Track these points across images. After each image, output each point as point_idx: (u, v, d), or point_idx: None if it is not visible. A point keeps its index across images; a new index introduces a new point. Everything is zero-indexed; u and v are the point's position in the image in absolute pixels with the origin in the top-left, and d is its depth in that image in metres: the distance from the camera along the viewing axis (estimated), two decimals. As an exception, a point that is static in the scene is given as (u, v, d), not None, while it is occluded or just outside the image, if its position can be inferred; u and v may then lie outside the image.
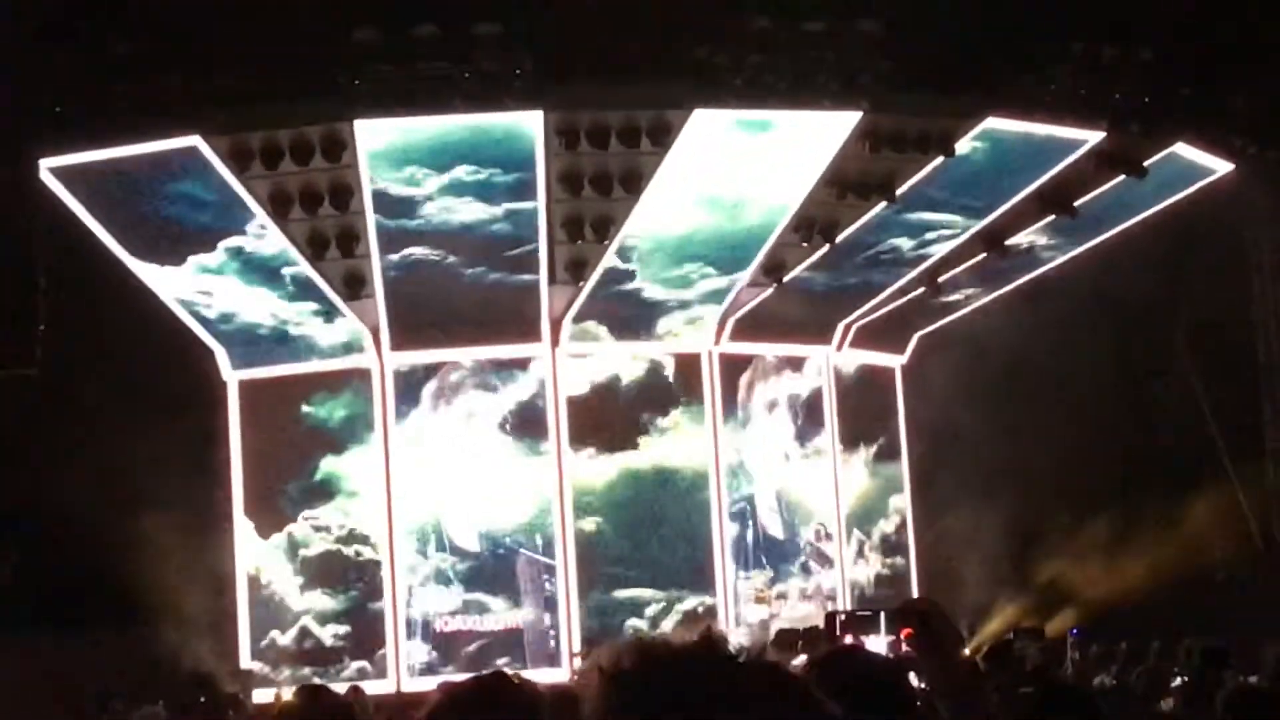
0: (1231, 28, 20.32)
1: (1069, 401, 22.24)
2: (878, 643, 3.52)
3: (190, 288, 21.08)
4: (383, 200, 20.14)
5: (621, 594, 21.59)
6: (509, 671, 6.27)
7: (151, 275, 20.74)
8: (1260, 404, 22.29)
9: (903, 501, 23.58)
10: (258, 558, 21.62)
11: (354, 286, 21.10)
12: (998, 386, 22.21)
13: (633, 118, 19.97)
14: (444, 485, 21.83)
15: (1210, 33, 20.29)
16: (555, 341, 21.65)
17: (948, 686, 4.77)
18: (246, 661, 20.97)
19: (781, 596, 22.23)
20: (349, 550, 21.62)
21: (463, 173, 20.11)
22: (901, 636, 4.67)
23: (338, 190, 20.07)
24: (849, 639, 3.58)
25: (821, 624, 15.98)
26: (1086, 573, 21.31)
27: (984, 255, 22.26)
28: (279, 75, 19.29)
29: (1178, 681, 14.06)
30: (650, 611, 21.24)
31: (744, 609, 22.01)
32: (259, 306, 21.45)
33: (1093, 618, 20.46)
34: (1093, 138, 20.69)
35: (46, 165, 18.92)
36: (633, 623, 20.68)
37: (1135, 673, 16.13)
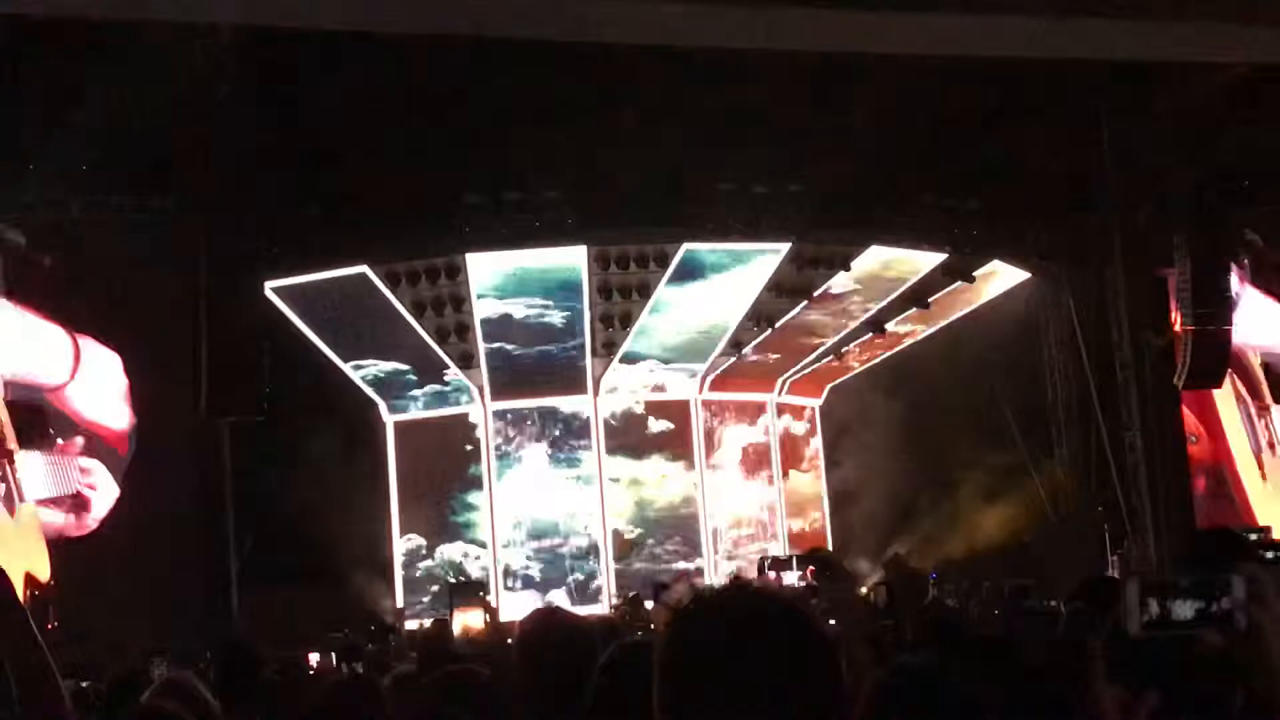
0: (1027, 187, 20.77)
1: (937, 423, 21.93)
2: (791, 577, 3.86)
3: (358, 357, 21.51)
4: (484, 305, 20.56)
5: (639, 559, 21.96)
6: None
7: (331, 348, 21.06)
8: (1050, 430, 22.62)
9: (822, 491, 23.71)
10: (407, 538, 21.86)
11: (466, 360, 21.32)
12: (883, 417, 22.31)
13: (643, 250, 20.62)
14: (525, 487, 22.02)
15: (1013, 191, 20.75)
16: (595, 393, 22.04)
17: (839, 607, 4.56)
18: (400, 603, 21.30)
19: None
20: (466, 534, 21.92)
21: (535, 286, 20.55)
22: (807, 573, 4.46)
23: (456, 300, 20.58)
24: (773, 575, 3.84)
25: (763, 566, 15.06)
26: (943, 534, 21.23)
27: (870, 335, 22.69)
28: (417, 225, 19.57)
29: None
30: (659, 573, 21.14)
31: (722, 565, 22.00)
32: (407, 371, 21.71)
33: (946, 564, 20.43)
34: (939, 257, 21.36)
35: (269, 285, 19.22)
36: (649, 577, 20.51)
37: (971, 603, 16.47)
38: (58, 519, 17.38)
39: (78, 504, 17.59)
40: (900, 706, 3.43)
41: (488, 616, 17.58)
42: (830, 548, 21.58)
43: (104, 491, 17.70)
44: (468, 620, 17.28)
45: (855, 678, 3.76)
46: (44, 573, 16.99)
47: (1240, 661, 2.96)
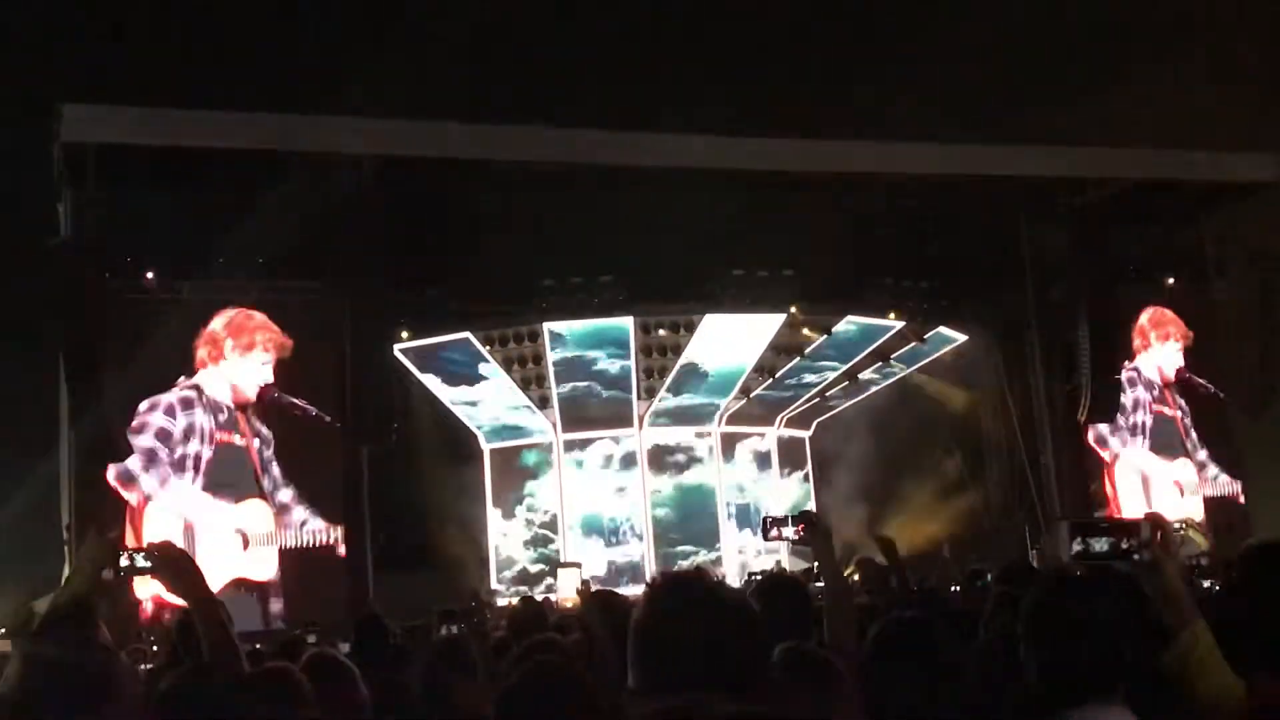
0: (965, 270, 20.49)
1: (898, 450, 21.70)
2: (788, 531, 3.72)
3: (462, 400, 21.40)
4: (557, 359, 20.44)
5: (673, 550, 21.65)
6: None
7: (443, 393, 20.99)
8: (984, 456, 22.38)
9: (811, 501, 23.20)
10: (498, 535, 21.63)
11: (543, 402, 21.15)
12: (857, 446, 22.06)
13: (675, 319, 20.51)
14: (590, 496, 21.73)
15: (955, 274, 20.74)
16: (640, 427, 21.79)
17: (824, 560, 4.33)
18: (494, 585, 21.02)
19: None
20: (542, 532, 21.64)
21: (596, 344, 20.41)
22: (798, 529, 4.31)
23: (535, 357, 20.48)
24: (773, 530, 3.71)
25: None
26: (901, 536, 20.57)
27: (847, 383, 22.48)
28: (508, 301, 19.78)
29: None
30: (689, 560, 21.00)
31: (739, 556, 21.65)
32: (500, 411, 21.58)
33: (904, 559, 20.12)
34: (898, 324, 21.16)
35: (398, 349, 19.30)
36: (680, 564, 20.15)
37: (925, 585, 16.95)
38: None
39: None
40: (899, 651, 3.38)
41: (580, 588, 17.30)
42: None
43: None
44: (562, 593, 17.12)
45: (836, 619, 4.01)
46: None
47: (1145, 587, 3.06)
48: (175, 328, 16.96)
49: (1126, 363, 20.90)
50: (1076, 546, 3.04)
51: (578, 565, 18.41)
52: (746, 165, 18.26)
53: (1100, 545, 3.12)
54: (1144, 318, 21.23)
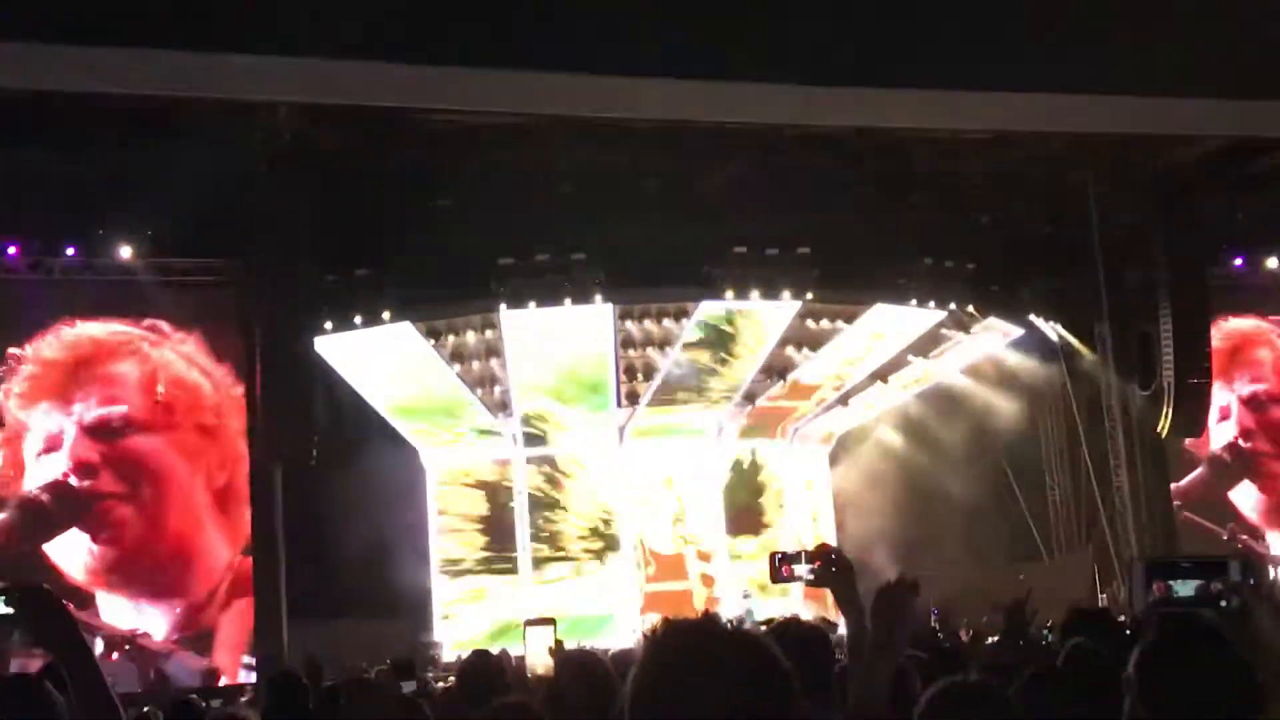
0: (1019, 250, 20.98)
1: (937, 469, 21.89)
2: (801, 569, 3.81)
3: (401, 405, 21.33)
4: (518, 355, 20.47)
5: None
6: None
7: (376, 397, 21.01)
8: (1042, 475, 22.62)
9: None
10: (445, 573, 21.68)
11: (501, 408, 21.10)
12: (887, 463, 22.50)
13: (664, 306, 20.63)
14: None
15: (1007, 253, 20.94)
16: (621, 440, 21.85)
17: (846, 605, 4.23)
18: (435, 635, 21.01)
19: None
20: (501, 570, 21.61)
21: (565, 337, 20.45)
22: (814, 566, 4.27)
23: (491, 352, 20.54)
24: (784, 568, 3.76)
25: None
26: (942, 572, 20.29)
27: (874, 387, 22.64)
28: (457, 283, 19.66)
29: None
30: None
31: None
32: (447, 418, 21.55)
33: (945, 601, 19.57)
34: (938, 314, 21.25)
35: (320, 342, 18.95)
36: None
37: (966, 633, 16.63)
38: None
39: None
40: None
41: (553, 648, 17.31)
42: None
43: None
44: (531, 656, 17.17)
45: (867, 680, 3.82)
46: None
47: (1232, 636, 3.15)
48: (43, 313, 17.09)
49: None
50: (1155, 592, 3.25)
51: (550, 622, 18.44)
52: (751, 117, 18.28)
53: (1184, 589, 3.32)
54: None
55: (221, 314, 17.78)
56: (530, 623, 19.14)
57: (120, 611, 17.19)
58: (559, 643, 12.31)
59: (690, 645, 2.24)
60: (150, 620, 17.31)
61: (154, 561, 17.40)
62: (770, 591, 20.83)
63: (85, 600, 16.75)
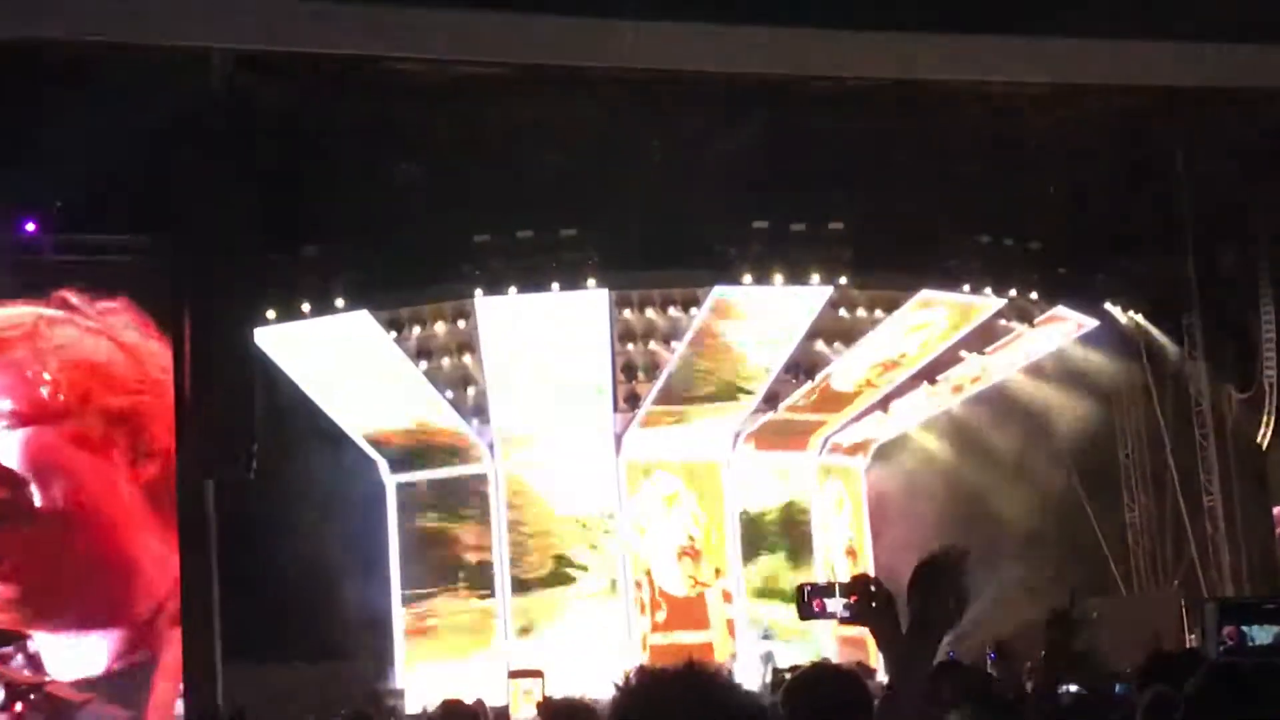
0: (1093, 226, 20.78)
1: (992, 487, 21.87)
2: (835, 604, 3.83)
3: (356, 408, 21.38)
4: (496, 348, 20.29)
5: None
6: None
7: (326, 399, 20.99)
8: (1120, 492, 22.45)
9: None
10: (410, 606, 21.73)
11: (476, 411, 21.06)
12: (933, 480, 22.34)
13: (670, 292, 20.37)
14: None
15: (1077, 229, 20.74)
16: (618, 450, 21.65)
17: (887, 641, 4.20)
18: (398, 682, 20.95)
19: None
20: (476, 600, 21.62)
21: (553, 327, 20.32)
22: (850, 600, 4.33)
23: (465, 347, 20.36)
24: (815, 603, 3.78)
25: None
26: (999, 609, 19.73)
27: (923, 385, 22.42)
28: (424, 264, 19.57)
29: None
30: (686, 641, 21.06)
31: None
32: (411, 423, 21.55)
33: (1002, 643, 19.64)
34: (995, 302, 20.97)
35: (261, 333, 18.94)
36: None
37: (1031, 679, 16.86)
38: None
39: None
40: None
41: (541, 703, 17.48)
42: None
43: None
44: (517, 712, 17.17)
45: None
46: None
47: None
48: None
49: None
50: (1227, 639, 3.20)
51: (539, 674, 18.49)
52: (772, 67, 18.27)
53: (1262, 636, 3.34)
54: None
55: (155, 289, 17.57)
56: (515, 674, 19.30)
57: (50, 649, 16.98)
58: (548, 699, 12.37)
59: (666, 698, 2.39)
60: (84, 655, 17.10)
61: (74, 584, 17.18)
62: (795, 630, 20.80)
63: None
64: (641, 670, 2.49)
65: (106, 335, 17.68)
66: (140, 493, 17.57)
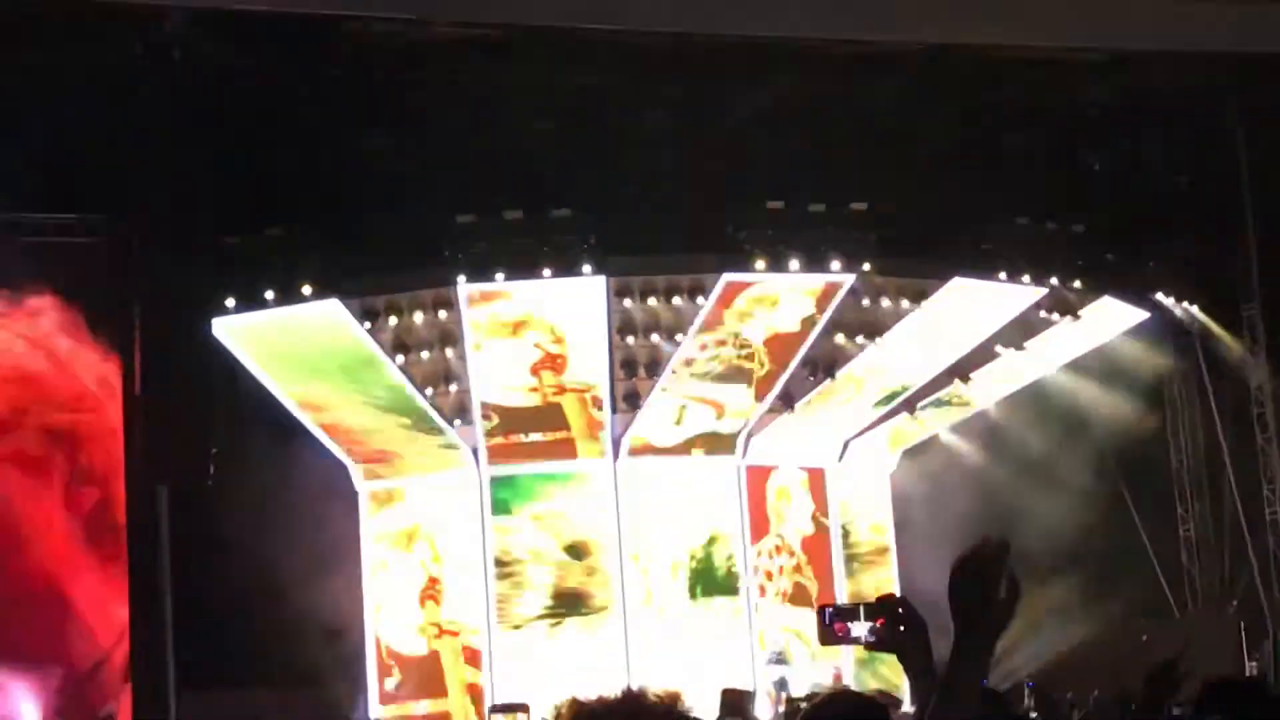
0: (1144, 207, 20.89)
1: (1031, 495, 21.81)
2: (859, 629, 3.84)
3: (324, 408, 21.22)
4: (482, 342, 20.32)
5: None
6: None
7: (291, 397, 20.82)
8: (1173, 503, 22.51)
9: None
10: (383, 626, 21.64)
11: (458, 411, 20.99)
12: (964, 488, 22.18)
13: (674, 280, 20.23)
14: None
15: (1127, 210, 20.84)
16: (615, 455, 21.58)
17: (917, 670, 4.19)
18: (374, 710, 20.91)
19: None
20: (451, 621, 21.54)
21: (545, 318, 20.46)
22: (877, 623, 4.30)
23: (446, 339, 20.31)
24: (836, 626, 3.77)
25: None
26: (1039, 633, 19.88)
27: (953, 387, 22.30)
28: (402, 247, 19.61)
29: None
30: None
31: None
32: (386, 424, 21.46)
33: (1042, 671, 19.37)
34: (1036, 291, 20.92)
35: (219, 324, 19.18)
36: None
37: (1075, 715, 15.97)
38: None
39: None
40: None
41: None
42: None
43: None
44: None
45: None
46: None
47: None
48: None
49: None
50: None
51: (524, 709, 18.50)
52: (790, 30, 18.31)
53: None
54: None
55: (93, 277, 17.59)
56: (498, 709, 19.34)
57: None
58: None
59: None
60: (12, 701, 17.06)
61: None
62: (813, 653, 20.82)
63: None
64: (574, 703, 2.56)
65: (38, 344, 17.58)
66: (79, 527, 17.52)
